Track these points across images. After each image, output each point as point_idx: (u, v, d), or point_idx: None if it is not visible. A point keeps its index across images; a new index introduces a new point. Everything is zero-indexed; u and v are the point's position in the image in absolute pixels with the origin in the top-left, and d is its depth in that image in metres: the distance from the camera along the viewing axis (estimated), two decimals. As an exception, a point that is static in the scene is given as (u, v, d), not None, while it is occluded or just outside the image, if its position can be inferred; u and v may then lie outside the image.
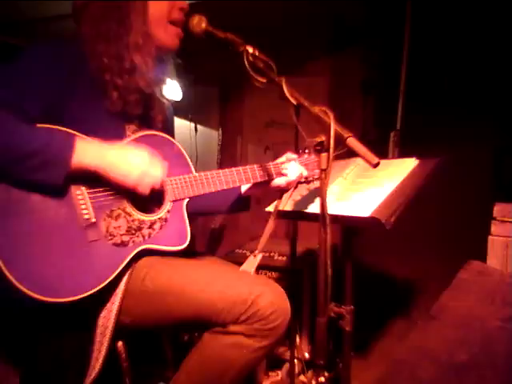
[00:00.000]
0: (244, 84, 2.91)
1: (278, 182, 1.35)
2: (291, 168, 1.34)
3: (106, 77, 1.09)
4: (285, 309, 1.09)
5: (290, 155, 1.38)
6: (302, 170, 1.35)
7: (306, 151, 1.39)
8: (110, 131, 1.12)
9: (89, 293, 0.99)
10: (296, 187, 1.38)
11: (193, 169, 1.26)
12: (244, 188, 1.42)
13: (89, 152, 1.00)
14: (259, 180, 1.32)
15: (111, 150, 1.04)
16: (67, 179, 0.98)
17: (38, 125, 1.01)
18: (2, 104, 0.96)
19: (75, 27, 1.15)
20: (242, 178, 1.28)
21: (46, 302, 0.94)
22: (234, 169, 1.27)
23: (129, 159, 1.04)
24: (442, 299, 1.33)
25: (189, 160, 1.27)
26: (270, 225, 1.34)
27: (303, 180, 1.38)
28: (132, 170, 1.04)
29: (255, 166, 1.31)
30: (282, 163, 1.36)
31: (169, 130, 1.34)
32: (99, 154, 1.02)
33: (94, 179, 1.03)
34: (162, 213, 1.16)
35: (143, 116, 1.21)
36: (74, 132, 1.04)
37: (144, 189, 1.07)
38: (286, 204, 1.41)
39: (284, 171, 1.34)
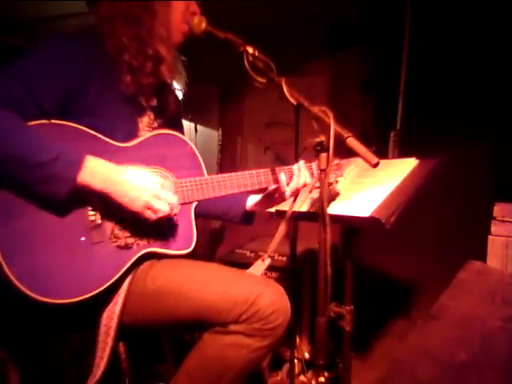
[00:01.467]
0: (244, 84, 2.91)
1: (282, 190, 1.29)
2: (294, 174, 1.28)
3: (124, 57, 1.08)
4: (285, 309, 1.09)
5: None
6: (305, 176, 1.29)
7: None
8: (123, 125, 1.11)
9: (89, 295, 0.99)
10: (311, 191, 1.33)
11: (205, 171, 1.23)
12: (250, 203, 1.39)
13: (97, 173, 0.98)
14: (272, 184, 1.28)
15: (121, 173, 1.02)
16: (71, 196, 0.97)
17: (54, 121, 1.01)
18: (16, 99, 0.96)
19: (92, 9, 1.14)
20: (254, 182, 1.24)
21: (46, 302, 0.94)
22: (247, 172, 1.24)
23: (135, 181, 1.02)
24: (442, 299, 1.33)
25: (201, 161, 1.23)
26: (282, 229, 1.29)
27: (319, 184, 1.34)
28: (139, 195, 1.02)
29: (269, 169, 1.27)
30: (308, 165, 1.31)
31: (179, 121, 1.34)
32: (107, 176, 1.00)
33: (99, 199, 1.02)
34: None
35: (157, 107, 1.21)
36: (93, 132, 1.04)
37: (154, 214, 1.05)
38: (294, 205, 1.38)
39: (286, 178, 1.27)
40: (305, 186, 1.29)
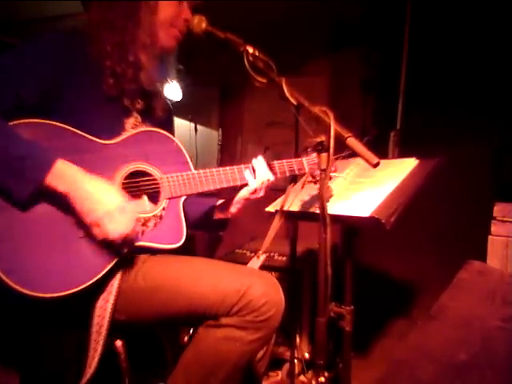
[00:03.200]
0: (244, 84, 2.92)
1: (242, 194, 1.28)
2: (258, 172, 1.25)
3: (107, 63, 1.10)
4: (277, 300, 1.08)
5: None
6: (268, 176, 1.26)
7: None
8: (108, 124, 1.12)
9: (76, 289, 0.98)
10: (303, 186, 1.35)
11: (191, 166, 1.23)
12: (222, 208, 1.37)
13: (64, 176, 0.96)
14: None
15: (89, 180, 0.99)
16: (33, 196, 0.95)
17: (36, 119, 1.01)
18: None
19: (86, 14, 1.15)
20: (243, 176, 1.24)
21: (33, 296, 0.93)
22: (235, 167, 1.24)
23: (98, 195, 0.98)
24: (442, 299, 1.32)
25: (188, 157, 1.23)
26: (276, 224, 1.30)
27: (311, 179, 1.34)
28: (95, 208, 0.97)
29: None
30: (289, 161, 1.32)
31: (169, 127, 1.34)
32: (74, 179, 0.97)
33: (61, 202, 0.99)
34: (156, 210, 1.15)
35: (144, 110, 1.22)
36: (74, 128, 1.03)
37: (100, 233, 0.98)
38: (292, 203, 1.38)
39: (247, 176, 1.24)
40: (267, 181, 1.27)
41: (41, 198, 0.98)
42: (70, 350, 1.12)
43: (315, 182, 1.36)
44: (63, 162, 0.97)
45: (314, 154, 1.33)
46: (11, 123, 0.99)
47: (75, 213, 0.99)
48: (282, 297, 1.09)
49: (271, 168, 1.29)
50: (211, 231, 1.43)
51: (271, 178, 1.27)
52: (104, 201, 0.98)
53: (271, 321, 1.06)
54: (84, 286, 0.99)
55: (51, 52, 1.05)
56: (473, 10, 2.34)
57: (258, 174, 1.25)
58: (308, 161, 1.34)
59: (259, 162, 1.26)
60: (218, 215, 1.38)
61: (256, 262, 1.27)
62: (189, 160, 1.23)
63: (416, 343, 1.28)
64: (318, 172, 1.31)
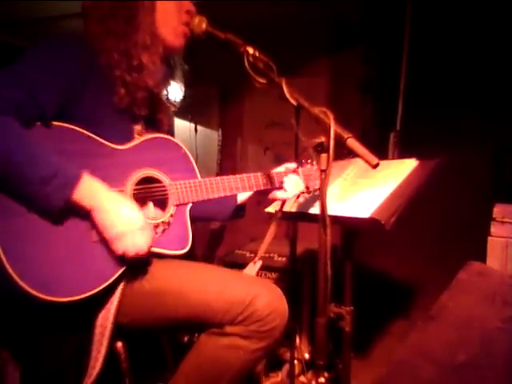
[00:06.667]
0: (244, 84, 2.91)
1: (278, 195, 1.35)
2: (290, 183, 1.33)
3: (116, 73, 1.09)
4: (282, 310, 1.09)
5: (288, 166, 1.37)
6: (301, 185, 1.34)
7: (309, 161, 1.38)
8: (119, 130, 1.12)
9: (88, 294, 0.99)
10: (298, 196, 1.37)
11: (198, 174, 1.26)
12: (242, 196, 1.41)
13: (89, 192, 0.99)
14: (262, 188, 1.31)
15: (111, 194, 1.02)
16: (63, 210, 0.97)
17: (53, 122, 1.01)
18: (18, 103, 0.95)
19: (83, 26, 1.15)
20: (245, 186, 1.28)
21: (46, 300, 0.94)
22: (238, 176, 1.28)
23: (120, 211, 1.01)
24: (442, 299, 1.33)
25: (195, 165, 1.26)
26: (272, 230, 1.32)
27: (304, 191, 1.38)
28: (117, 224, 1.00)
29: (259, 173, 1.31)
30: (286, 173, 1.36)
31: (170, 132, 1.35)
32: (97, 194, 1.00)
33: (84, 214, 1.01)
34: (165, 216, 1.16)
35: (148, 118, 1.22)
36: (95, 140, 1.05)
37: (119, 248, 1.01)
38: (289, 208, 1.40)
39: (284, 185, 1.33)
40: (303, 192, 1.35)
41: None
42: (72, 351, 1.12)
43: (309, 193, 1.39)
44: (88, 178, 0.99)
45: (309, 166, 1.37)
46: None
47: (97, 227, 1.01)
48: (286, 307, 1.10)
49: (271, 179, 1.33)
50: (231, 218, 1.47)
51: (301, 187, 1.36)
52: (124, 217, 1.00)
53: (275, 331, 1.07)
54: (97, 289, 1.00)
55: (66, 60, 1.04)
56: (473, 9, 2.34)
57: (291, 187, 1.33)
58: (302, 172, 1.38)
59: (290, 179, 1.34)
60: (244, 200, 1.42)
61: (252, 269, 1.28)
62: (195, 167, 1.26)
63: (416, 343, 1.28)
64: (311, 183, 1.38)
